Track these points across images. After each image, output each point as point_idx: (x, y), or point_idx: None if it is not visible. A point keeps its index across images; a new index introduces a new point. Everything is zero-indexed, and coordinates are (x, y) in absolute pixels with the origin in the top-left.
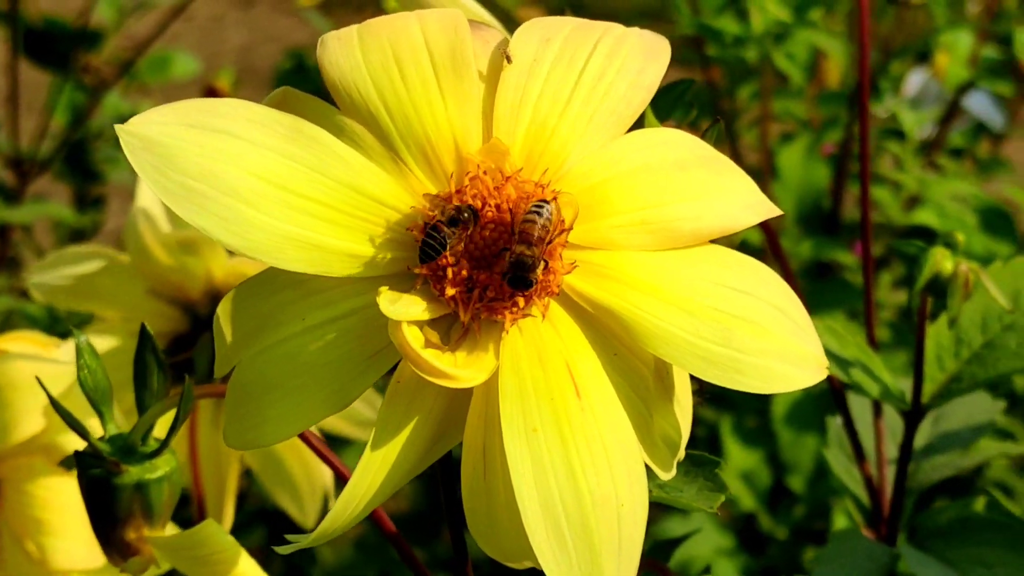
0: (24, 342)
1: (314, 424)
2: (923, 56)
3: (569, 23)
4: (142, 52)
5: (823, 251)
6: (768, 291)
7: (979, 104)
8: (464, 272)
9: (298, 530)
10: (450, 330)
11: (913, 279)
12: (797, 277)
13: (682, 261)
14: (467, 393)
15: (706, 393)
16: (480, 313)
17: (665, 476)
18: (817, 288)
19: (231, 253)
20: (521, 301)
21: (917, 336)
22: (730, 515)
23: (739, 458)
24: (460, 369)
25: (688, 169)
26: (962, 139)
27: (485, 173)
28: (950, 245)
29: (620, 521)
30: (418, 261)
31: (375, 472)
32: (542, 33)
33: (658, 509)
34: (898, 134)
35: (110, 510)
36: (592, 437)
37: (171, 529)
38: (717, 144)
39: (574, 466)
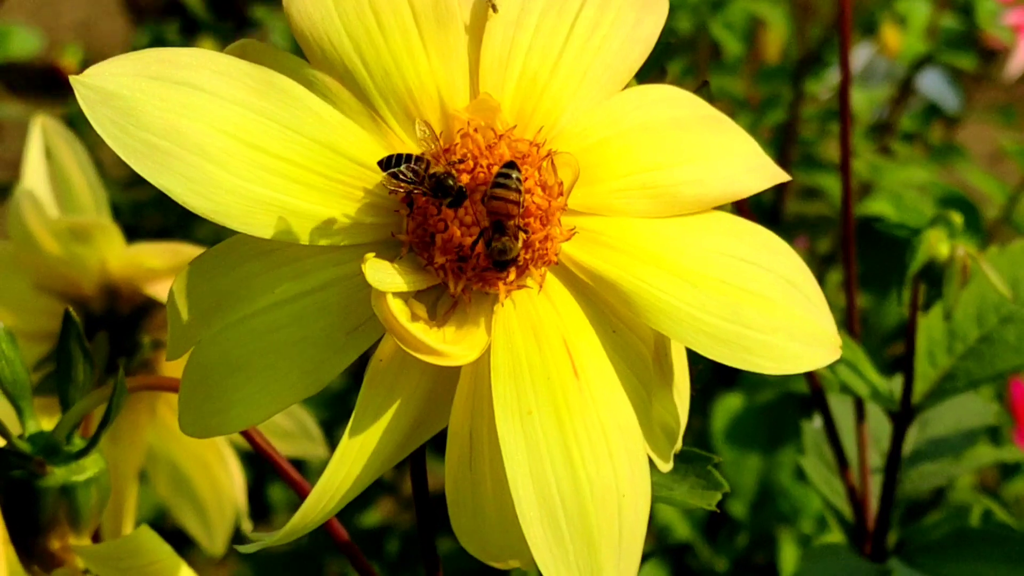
0: None
1: (285, 408)
2: (868, 29)
3: None
4: None
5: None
6: (779, 262)
7: (932, 84)
8: (455, 239)
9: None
10: (437, 303)
11: (904, 265)
12: None
13: (686, 229)
14: (453, 373)
15: (698, 384)
16: (472, 284)
17: (664, 468)
18: None
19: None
20: (513, 272)
21: (908, 329)
22: (663, 545)
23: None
24: (450, 345)
25: (689, 129)
26: (912, 122)
27: (476, 131)
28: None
29: (621, 513)
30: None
31: (352, 461)
32: None
33: None
34: None
35: (32, 516)
36: (591, 421)
37: None
38: None
39: (572, 453)
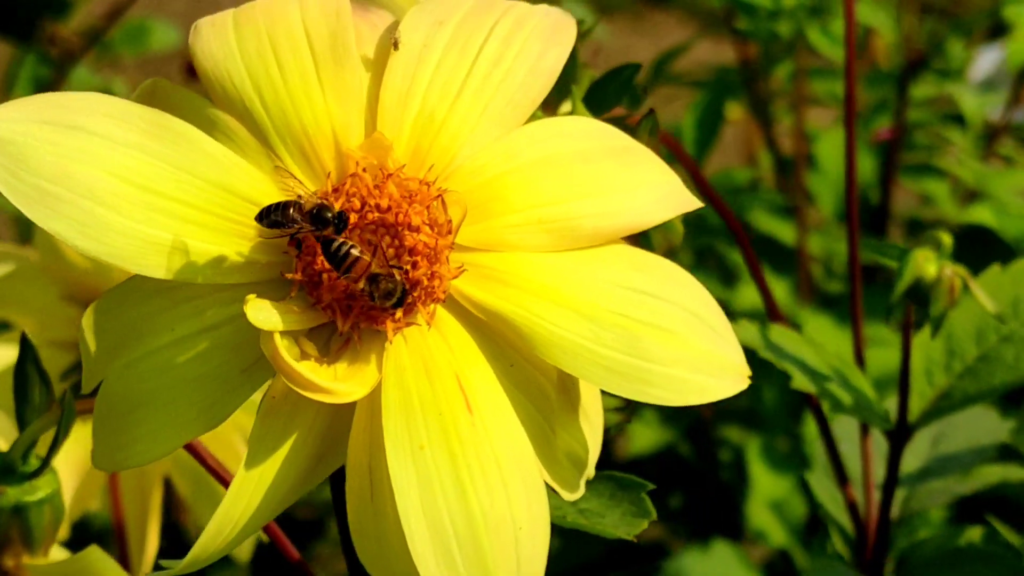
0: None
1: (185, 443)
2: (997, 31)
3: (468, 2)
4: (115, 20)
5: (867, 251)
6: (682, 295)
7: None
8: (343, 279)
9: None
10: (330, 340)
11: (893, 284)
12: (837, 280)
13: (584, 262)
14: (352, 408)
15: (632, 408)
16: (360, 322)
17: (570, 496)
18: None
19: None
20: (400, 311)
21: (903, 348)
22: (758, 550)
23: (768, 486)
24: (339, 383)
25: (594, 161)
26: None
27: (365, 170)
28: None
29: (518, 545)
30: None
31: (251, 493)
32: (436, 15)
33: (674, 541)
34: (960, 120)
35: None
36: (485, 454)
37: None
38: (651, 136)
39: (465, 486)
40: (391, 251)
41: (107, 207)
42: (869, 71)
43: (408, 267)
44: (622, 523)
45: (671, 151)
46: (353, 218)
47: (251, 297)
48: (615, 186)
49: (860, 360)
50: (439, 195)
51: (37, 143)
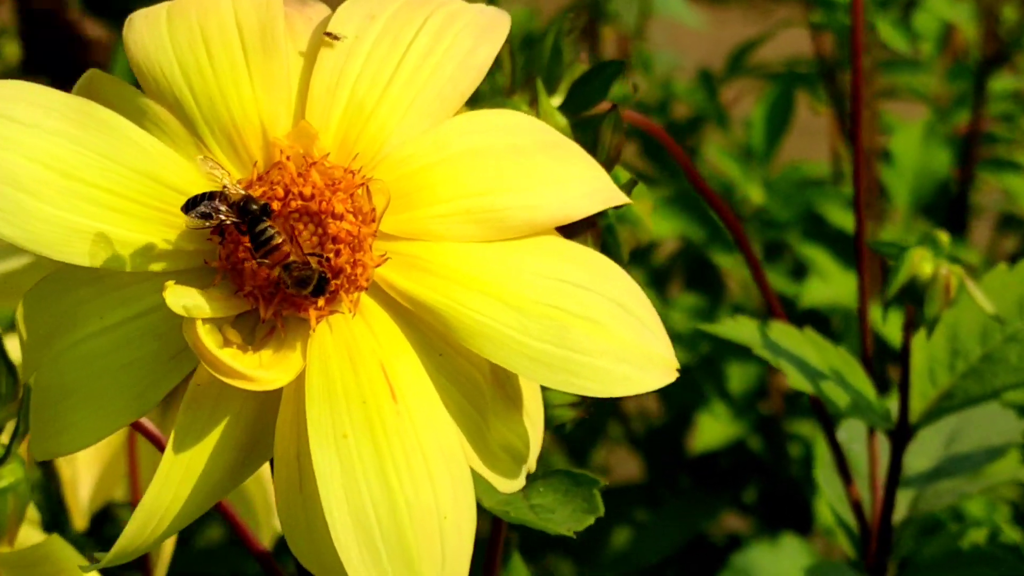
0: None
1: (115, 431)
2: None
3: None
4: None
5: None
6: (610, 286)
7: None
8: (265, 268)
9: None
10: (256, 329)
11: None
12: None
13: (512, 253)
14: (279, 397)
15: (589, 404)
16: (282, 310)
17: (506, 489)
18: None
19: None
20: (322, 299)
21: (903, 347)
22: (836, 549)
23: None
24: (262, 370)
25: (525, 155)
26: None
27: (289, 159)
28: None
29: (443, 535)
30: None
31: (178, 484)
32: (368, 9)
33: (760, 535)
34: None
35: None
36: (409, 444)
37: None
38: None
39: (388, 475)
40: (315, 239)
41: (29, 194)
42: (950, 65)
43: (331, 255)
44: (571, 519)
45: (660, 141)
46: (276, 206)
47: (170, 284)
48: (544, 179)
49: (865, 355)
50: (363, 183)
51: None
